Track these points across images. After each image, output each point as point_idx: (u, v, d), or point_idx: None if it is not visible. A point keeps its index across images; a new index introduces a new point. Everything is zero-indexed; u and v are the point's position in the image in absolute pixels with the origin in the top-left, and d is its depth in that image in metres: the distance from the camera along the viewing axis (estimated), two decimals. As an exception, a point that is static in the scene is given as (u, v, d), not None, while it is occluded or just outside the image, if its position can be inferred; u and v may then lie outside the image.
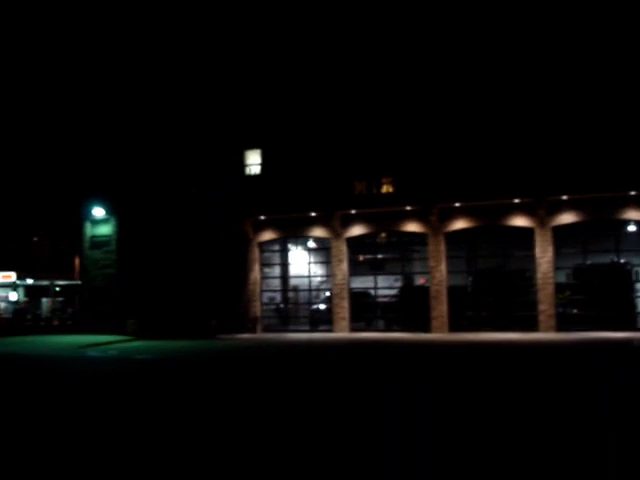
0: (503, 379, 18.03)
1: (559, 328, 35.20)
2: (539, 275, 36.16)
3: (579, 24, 35.94)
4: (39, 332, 43.57)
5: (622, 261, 35.94)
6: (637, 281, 35.67)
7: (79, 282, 46.19)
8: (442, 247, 37.87)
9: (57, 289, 52.45)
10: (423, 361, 23.85)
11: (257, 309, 41.50)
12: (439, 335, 36.02)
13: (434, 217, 37.47)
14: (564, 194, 35.33)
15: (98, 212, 43.31)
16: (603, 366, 20.47)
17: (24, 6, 49.02)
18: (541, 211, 35.98)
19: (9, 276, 51.34)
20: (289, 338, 37.21)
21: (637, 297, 35.46)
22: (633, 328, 34.10)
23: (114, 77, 44.26)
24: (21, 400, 15.88)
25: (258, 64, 41.26)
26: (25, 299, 54.35)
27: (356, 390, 16.10)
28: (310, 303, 41.86)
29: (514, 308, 36.74)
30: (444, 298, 37.55)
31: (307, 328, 40.60)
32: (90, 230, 43.92)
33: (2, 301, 54.54)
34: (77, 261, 46.52)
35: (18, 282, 52.06)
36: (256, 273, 41.75)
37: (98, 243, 43.50)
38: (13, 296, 53.68)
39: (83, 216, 43.92)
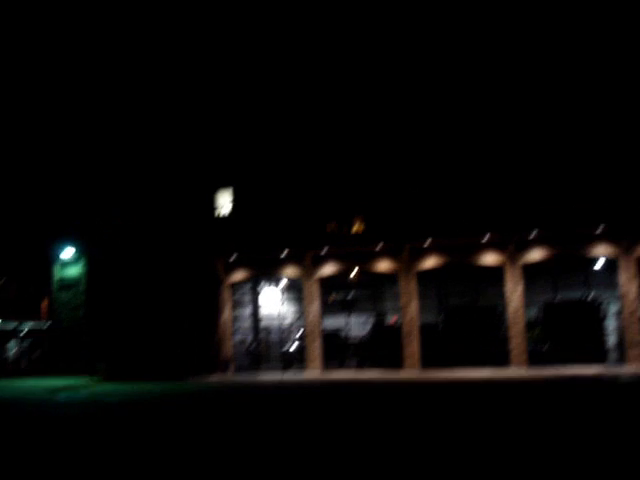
0: (479, 428, 18.00)
1: (531, 363, 35.36)
2: (510, 311, 36.37)
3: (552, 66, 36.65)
4: (7, 376, 42.79)
5: (591, 296, 36.28)
6: (605, 316, 36.00)
7: (47, 324, 45.55)
8: (413, 285, 37.99)
9: (24, 331, 51.58)
10: (394, 408, 23.75)
11: (228, 350, 41.15)
12: (412, 373, 35.95)
13: (405, 255, 37.65)
14: (533, 230, 35.68)
15: (67, 254, 42.93)
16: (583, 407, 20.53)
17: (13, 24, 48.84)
18: (510, 247, 36.33)
19: (-25, 319, 50.45)
20: (260, 380, 36.90)
21: (606, 333, 35.77)
22: (603, 362, 34.35)
23: (84, 116, 44.18)
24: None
25: (229, 101, 41.45)
26: (-9, 342, 53.36)
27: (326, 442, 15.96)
28: (282, 344, 41.60)
29: (486, 344, 36.84)
30: (416, 336, 37.57)
31: (279, 369, 40.29)
32: (59, 272, 43.49)
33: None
34: (45, 303, 45.92)
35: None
36: (227, 314, 41.46)
37: (67, 285, 43.06)
38: (-21, 339, 52.69)
39: (52, 258, 43.50)
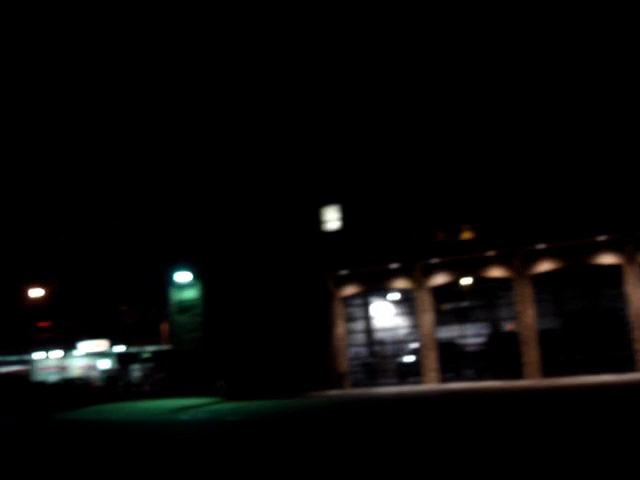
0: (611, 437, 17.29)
1: (659, 367, 33.87)
2: (632, 313, 34.94)
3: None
4: (131, 398, 44.29)
5: None
6: None
7: (167, 347, 46.93)
8: (528, 290, 37.07)
9: (146, 355, 53.27)
10: (520, 415, 23.12)
11: (344, 364, 41.26)
12: (532, 382, 35.00)
13: (518, 261, 36.81)
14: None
15: (183, 277, 44.15)
16: None
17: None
18: (629, 247, 34.97)
19: (99, 345, 52.50)
20: (378, 393, 36.76)
21: None
22: None
23: (190, 142, 45.43)
24: (121, 466, 16.01)
25: (331, 120, 41.76)
26: (116, 366, 55.39)
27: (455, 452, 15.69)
28: (396, 356, 41.34)
29: (608, 349, 35.48)
30: (534, 343, 36.59)
31: (395, 381, 40.05)
32: (176, 295, 44.79)
33: (94, 369, 55.75)
34: (164, 326, 47.31)
35: (108, 350, 53.15)
36: (341, 328, 41.63)
37: (184, 308, 44.28)
38: (104, 364, 54.80)
39: (169, 282, 44.86)
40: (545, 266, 36.79)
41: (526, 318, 36.92)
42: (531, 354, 36.57)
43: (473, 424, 19.84)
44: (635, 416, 18.86)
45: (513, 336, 37.53)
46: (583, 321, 36.37)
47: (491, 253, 37.45)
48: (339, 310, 41.78)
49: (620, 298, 35.67)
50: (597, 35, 35.69)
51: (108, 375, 53.61)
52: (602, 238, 35.24)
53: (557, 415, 20.72)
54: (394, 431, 19.66)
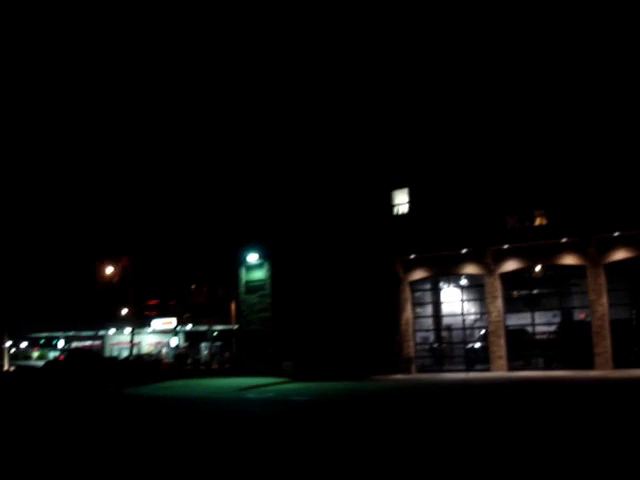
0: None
1: None
2: None
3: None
4: (199, 375, 45.02)
5: None
6: None
7: (235, 326, 47.52)
8: (602, 279, 36.20)
9: (214, 334, 54.07)
10: (588, 405, 22.63)
11: (411, 349, 41.10)
12: (603, 372, 34.19)
13: (592, 248, 35.92)
14: None
15: (252, 258, 44.62)
16: None
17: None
18: None
19: (169, 322, 53.52)
20: (444, 378, 36.50)
21: None
22: None
23: (264, 124, 45.77)
24: (191, 439, 16.28)
25: (400, 105, 41.46)
26: (185, 344, 56.41)
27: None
28: (464, 342, 40.94)
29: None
30: (607, 333, 35.75)
31: (462, 368, 39.68)
32: (245, 275, 45.29)
33: (164, 347, 56.90)
34: (232, 306, 47.89)
35: (178, 328, 54.15)
36: (408, 313, 41.45)
37: (253, 288, 44.76)
38: (174, 341, 55.88)
39: (238, 262, 45.39)
40: (620, 254, 35.81)
41: (599, 307, 36.08)
42: (603, 344, 35.74)
43: (540, 412, 19.50)
44: None
45: (585, 325, 36.73)
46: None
47: (564, 240, 36.63)
48: (407, 294, 41.58)
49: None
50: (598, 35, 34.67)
51: (177, 352, 54.67)
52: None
53: (626, 405, 20.21)
54: (455, 416, 19.49)
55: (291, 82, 45.54)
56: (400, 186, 42.11)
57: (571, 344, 36.97)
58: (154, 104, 54.18)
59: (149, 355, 54.64)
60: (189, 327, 54.37)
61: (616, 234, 35.34)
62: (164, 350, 56.74)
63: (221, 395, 31.14)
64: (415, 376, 39.10)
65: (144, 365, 46.58)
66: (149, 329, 55.23)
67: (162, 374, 43.13)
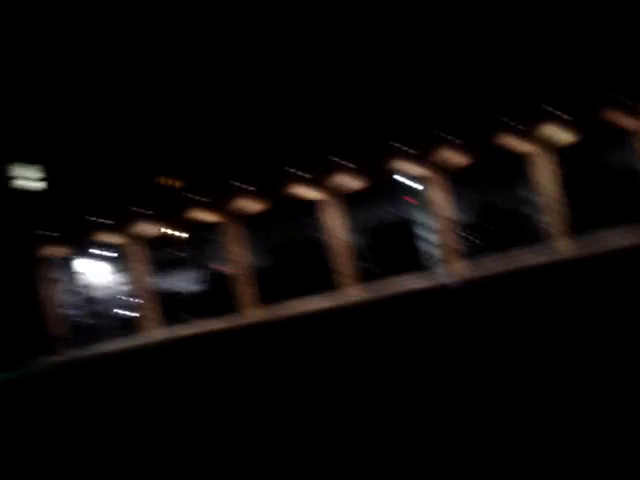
0: None
1: None
2: (332, 242, 38.13)
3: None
4: None
5: None
6: None
7: None
8: (239, 232, 38.79)
9: None
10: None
11: (62, 327, 39.93)
12: (251, 317, 36.86)
13: (226, 204, 38.09)
14: None
15: None
16: None
17: None
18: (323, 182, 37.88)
19: None
20: (104, 350, 36.30)
21: None
22: None
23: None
24: None
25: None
26: None
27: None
28: (117, 312, 40.97)
29: (315, 276, 38.50)
30: (249, 280, 38.59)
31: (120, 337, 39.68)
32: None
33: None
34: None
35: None
36: (51, 290, 40.08)
37: None
38: None
39: None
40: (255, 207, 38.60)
41: (239, 258, 38.69)
42: (246, 291, 38.59)
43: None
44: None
45: (228, 277, 39.18)
46: (291, 254, 39.14)
47: (200, 199, 38.31)
48: (47, 272, 40.11)
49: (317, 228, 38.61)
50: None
51: None
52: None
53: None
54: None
55: None
56: (28, 160, 40.02)
57: (219, 296, 39.26)
58: None
59: None
60: None
61: (251, 188, 37.90)
62: None
63: None
64: (76, 353, 38.07)
65: None
66: None
67: None
